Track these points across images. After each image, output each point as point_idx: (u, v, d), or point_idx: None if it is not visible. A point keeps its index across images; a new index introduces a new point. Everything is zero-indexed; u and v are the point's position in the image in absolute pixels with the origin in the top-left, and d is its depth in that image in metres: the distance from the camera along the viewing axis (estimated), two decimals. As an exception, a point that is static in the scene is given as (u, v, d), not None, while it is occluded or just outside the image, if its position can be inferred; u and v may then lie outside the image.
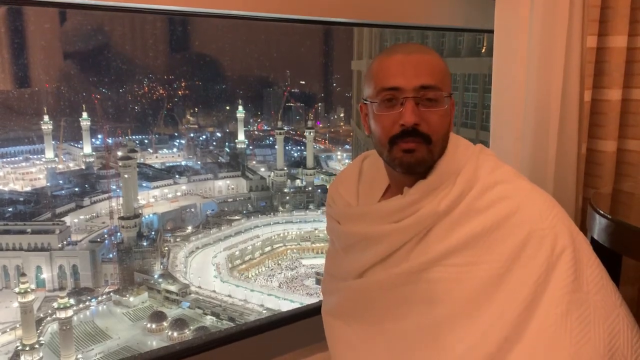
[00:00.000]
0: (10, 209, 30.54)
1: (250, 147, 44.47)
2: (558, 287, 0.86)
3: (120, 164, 31.26)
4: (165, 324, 25.25)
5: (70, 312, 23.92)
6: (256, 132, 49.38)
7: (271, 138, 45.57)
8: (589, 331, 0.85)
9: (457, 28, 1.92)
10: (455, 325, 0.91)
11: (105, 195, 32.88)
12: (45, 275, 27.26)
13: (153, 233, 31.39)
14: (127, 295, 27.27)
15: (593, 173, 1.62)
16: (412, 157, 0.95)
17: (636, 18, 1.53)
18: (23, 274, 24.64)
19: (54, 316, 24.44)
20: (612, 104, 1.56)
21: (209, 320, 25.95)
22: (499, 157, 1.06)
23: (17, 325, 23.43)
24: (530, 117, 1.51)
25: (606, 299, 0.88)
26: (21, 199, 32.14)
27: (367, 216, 1.04)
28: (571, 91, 1.47)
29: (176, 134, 46.15)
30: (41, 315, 25.16)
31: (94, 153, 36.77)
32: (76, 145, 38.41)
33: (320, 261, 31.43)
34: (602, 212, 1.19)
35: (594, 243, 1.14)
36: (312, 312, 1.77)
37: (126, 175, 30.70)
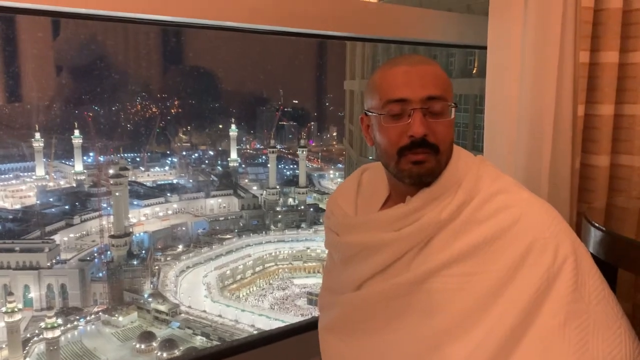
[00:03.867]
0: (-2, 227, 30.26)
1: (243, 166, 44.50)
2: (559, 297, 0.85)
3: (111, 182, 31.14)
4: (154, 344, 24.91)
5: (57, 332, 23.57)
6: (249, 151, 49.44)
7: (264, 156, 45.65)
8: (587, 341, 0.84)
9: (451, 44, 1.94)
10: (454, 336, 0.90)
11: (96, 214, 32.66)
12: (33, 294, 26.91)
13: (143, 252, 31.15)
14: (116, 315, 26.94)
15: (586, 188, 1.62)
16: (422, 168, 0.95)
17: (627, 34, 1.55)
18: (10, 293, 24.31)
19: (41, 336, 24.04)
20: (605, 119, 1.56)
21: (198, 341, 25.64)
22: (494, 169, 1.05)
23: (3, 346, 23.00)
24: (523, 131, 1.52)
25: (607, 310, 0.87)
26: (10, 216, 31.85)
27: (367, 225, 1.03)
28: (564, 106, 1.47)
29: (168, 152, 46.14)
30: (28, 335, 24.75)
31: (85, 171, 36.64)
32: (67, 162, 38.26)
33: (312, 281, 31.32)
34: (597, 225, 1.18)
35: (589, 256, 1.13)
36: (303, 329, 1.74)
37: (117, 193, 30.56)
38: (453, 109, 0.97)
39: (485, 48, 1.59)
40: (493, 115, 1.60)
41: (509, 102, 1.54)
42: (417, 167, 0.95)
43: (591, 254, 1.16)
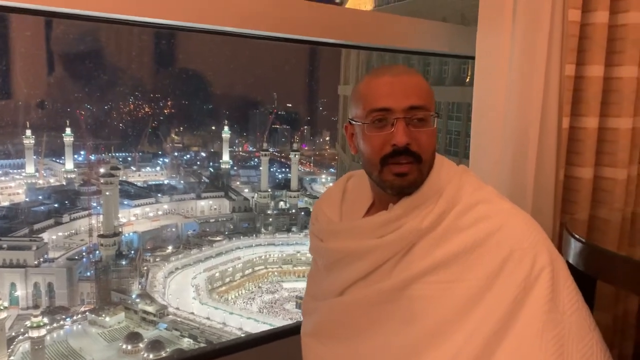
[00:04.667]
0: (-14, 224, 29.94)
1: (235, 168, 44.36)
2: (535, 306, 0.87)
3: (102, 181, 30.94)
4: (141, 345, 24.70)
5: (43, 332, 23.32)
6: (241, 153, 49.31)
7: (256, 159, 45.55)
8: (562, 352, 0.85)
9: (441, 53, 1.96)
10: (433, 343, 0.91)
11: (85, 213, 32.40)
12: (20, 292, 26.62)
13: (132, 252, 30.94)
14: (103, 315, 26.70)
15: (570, 199, 1.64)
16: (404, 181, 0.96)
17: (613, 49, 1.58)
18: (-4, 291, 24.08)
19: (26, 335, 23.79)
20: (589, 132, 1.59)
21: (186, 343, 25.46)
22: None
23: (-12, 344, 22.76)
24: (509, 142, 1.54)
25: (581, 322, 0.89)
26: (-2, 213, 31.55)
27: (351, 232, 1.05)
28: (550, 117, 1.50)
29: (160, 153, 45.90)
30: (13, 334, 24.47)
31: (75, 169, 36.36)
32: (57, 160, 37.98)
33: (302, 285, 31.20)
34: (577, 237, 1.21)
35: (569, 267, 1.16)
36: (287, 333, 1.75)
37: (107, 193, 30.37)
38: (435, 119, 0.98)
39: (474, 58, 1.61)
40: (480, 125, 1.62)
41: (496, 113, 1.57)
42: (399, 179, 0.96)
43: (571, 265, 1.18)
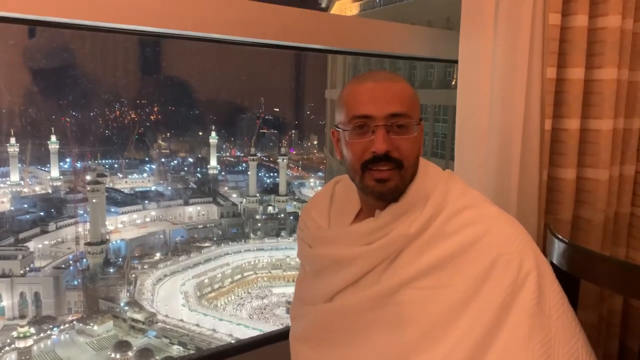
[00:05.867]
0: (-30, 234, 29.52)
1: (223, 173, 44.22)
2: (522, 310, 0.87)
3: (88, 188, 30.70)
4: (130, 353, 24.47)
5: (30, 342, 23.03)
6: (229, 158, 49.16)
7: (244, 164, 45.42)
8: (550, 355, 0.86)
9: (425, 58, 1.98)
10: (422, 348, 0.91)
11: (72, 220, 32.10)
12: (5, 302, 26.28)
13: (120, 260, 30.70)
14: (91, 324, 26.45)
15: (553, 200, 1.66)
16: (384, 187, 0.96)
17: (593, 52, 1.60)
18: (-19, 301, 23.75)
19: (12, 346, 23.48)
20: (571, 133, 1.61)
21: (175, 350, 25.29)
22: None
23: (-27, 355, 22.43)
24: (493, 144, 1.55)
25: (566, 325, 0.90)
26: (-18, 223, 31.13)
27: (339, 239, 1.05)
28: (532, 120, 1.52)
29: (147, 159, 45.63)
30: (-1, 344, 24.19)
31: (61, 177, 36.02)
32: (43, 168, 37.61)
33: (292, 290, 31.15)
34: (560, 237, 1.22)
35: (552, 267, 1.17)
36: (276, 338, 1.74)
37: (94, 200, 30.14)
38: (418, 125, 0.98)
39: (457, 62, 1.63)
40: (464, 128, 1.63)
41: (479, 116, 1.58)
42: (379, 185, 0.96)
43: (555, 265, 1.20)
